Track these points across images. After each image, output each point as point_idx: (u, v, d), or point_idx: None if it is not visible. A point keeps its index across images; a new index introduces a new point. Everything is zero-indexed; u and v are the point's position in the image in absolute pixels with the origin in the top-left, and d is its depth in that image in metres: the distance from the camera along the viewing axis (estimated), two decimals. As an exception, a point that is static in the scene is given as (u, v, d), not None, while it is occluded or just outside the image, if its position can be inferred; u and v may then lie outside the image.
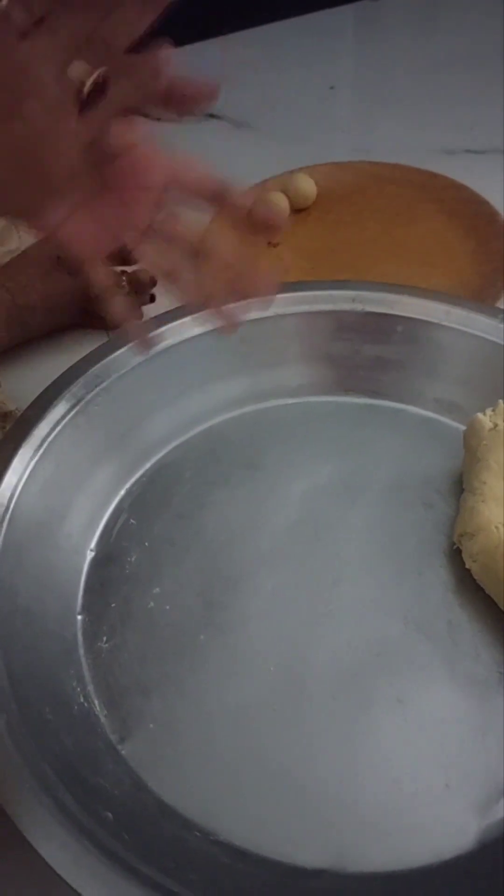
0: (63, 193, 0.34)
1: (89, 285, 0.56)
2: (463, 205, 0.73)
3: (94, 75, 0.31)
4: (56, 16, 0.30)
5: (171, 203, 0.37)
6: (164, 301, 0.61)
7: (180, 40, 0.34)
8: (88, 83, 0.31)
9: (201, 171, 0.37)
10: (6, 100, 0.30)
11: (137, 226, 0.36)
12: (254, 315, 0.55)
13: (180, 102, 0.34)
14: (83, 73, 0.31)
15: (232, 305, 0.40)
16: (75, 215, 0.34)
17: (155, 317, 0.55)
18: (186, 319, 0.54)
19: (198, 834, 0.38)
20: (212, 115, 0.79)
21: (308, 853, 0.37)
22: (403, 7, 1.09)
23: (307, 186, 0.76)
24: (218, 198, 0.38)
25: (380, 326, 0.56)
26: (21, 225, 0.34)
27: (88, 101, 0.32)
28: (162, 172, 0.36)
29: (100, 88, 0.32)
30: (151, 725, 0.42)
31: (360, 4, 1.08)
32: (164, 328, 0.54)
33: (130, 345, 0.51)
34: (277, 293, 0.40)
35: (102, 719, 0.42)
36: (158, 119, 0.35)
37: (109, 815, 0.37)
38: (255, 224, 0.38)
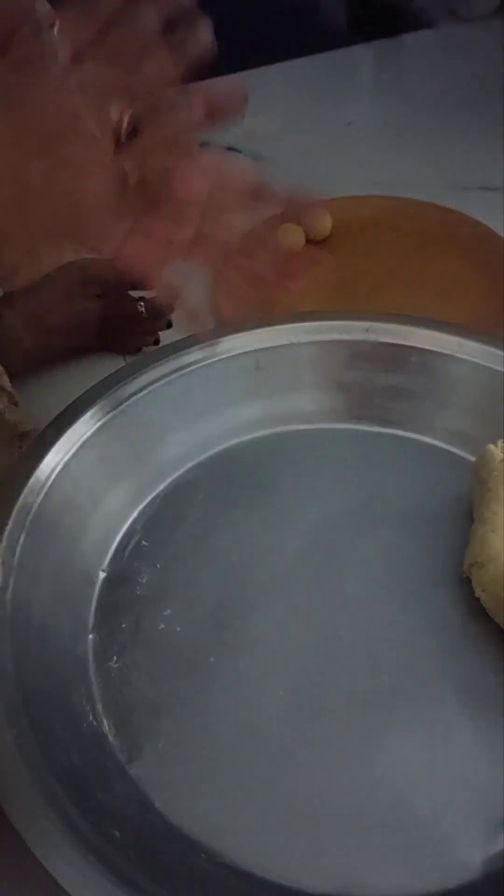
0: (104, 220, 0.35)
1: (113, 310, 0.57)
2: (477, 241, 0.74)
3: (128, 118, 0.33)
4: (96, 60, 0.31)
5: (216, 210, 0.37)
6: (180, 328, 0.63)
7: (201, 77, 0.35)
8: (124, 126, 0.33)
9: (238, 171, 0.38)
10: (45, 131, 0.31)
11: (186, 238, 0.36)
12: (270, 343, 0.56)
13: (214, 114, 0.36)
14: (120, 113, 0.32)
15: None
16: (129, 239, 0.35)
17: (171, 343, 0.56)
18: (204, 344, 0.55)
19: (204, 855, 0.38)
20: (230, 149, 0.80)
21: (313, 878, 0.37)
22: (421, 45, 1.11)
23: (323, 219, 0.77)
24: (258, 194, 0.38)
25: (393, 356, 0.56)
26: (82, 251, 0.35)
27: (125, 139, 0.33)
28: (201, 185, 0.36)
29: (135, 128, 0.33)
30: (160, 746, 0.42)
31: (380, 43, 1.10)
32: (181, 352, 0.55)
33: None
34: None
35: (111, 738, 0.42)
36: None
37: (117, 833, 0.37)
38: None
